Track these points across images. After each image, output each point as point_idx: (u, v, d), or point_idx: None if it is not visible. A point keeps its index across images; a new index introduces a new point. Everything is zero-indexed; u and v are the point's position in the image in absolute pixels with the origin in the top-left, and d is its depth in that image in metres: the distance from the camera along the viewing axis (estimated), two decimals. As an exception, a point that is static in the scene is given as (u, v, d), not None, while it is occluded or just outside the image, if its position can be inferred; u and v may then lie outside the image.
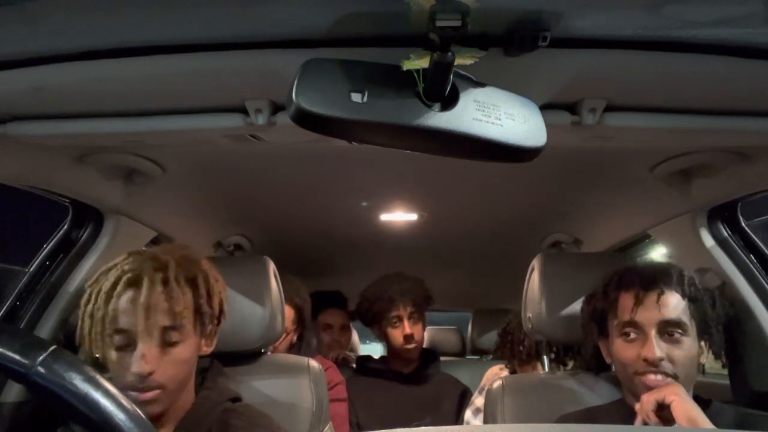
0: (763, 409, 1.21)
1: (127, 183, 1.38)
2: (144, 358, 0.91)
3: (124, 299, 0.93)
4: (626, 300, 1.10)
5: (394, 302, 1.90)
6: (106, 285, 0.93)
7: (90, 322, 0.93)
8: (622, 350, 1.09)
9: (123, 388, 0.91)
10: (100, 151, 1.18)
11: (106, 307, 0.92)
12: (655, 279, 1.09)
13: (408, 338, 1.91)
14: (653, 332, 1.05)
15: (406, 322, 1.91)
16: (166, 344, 0.95)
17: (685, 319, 1.07)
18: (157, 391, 0.93)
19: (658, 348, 1.03)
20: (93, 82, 0.84)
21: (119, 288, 0.93)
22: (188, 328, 0.97)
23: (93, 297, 0.94)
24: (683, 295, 1.09)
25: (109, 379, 0.49)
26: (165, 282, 0.95)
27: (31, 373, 0.46)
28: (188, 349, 0.98)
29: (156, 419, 0.98)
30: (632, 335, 1.08)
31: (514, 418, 1.30)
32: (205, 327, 1.02)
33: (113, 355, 0.93)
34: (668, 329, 1.06)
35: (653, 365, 1.03)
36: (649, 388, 1.02)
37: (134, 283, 0.93)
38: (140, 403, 0.90)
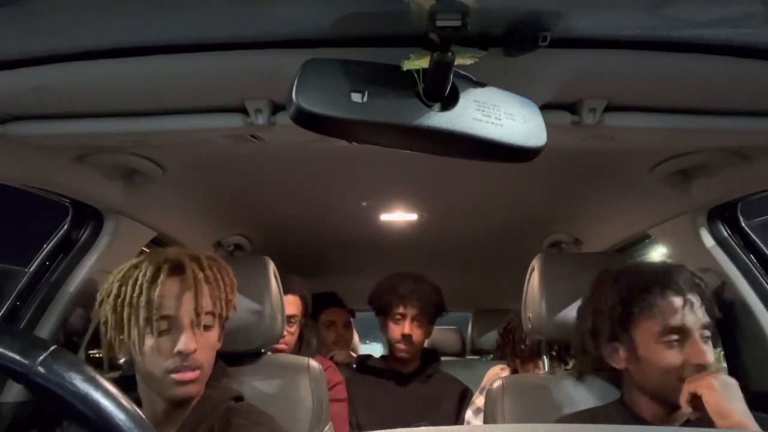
0: (763, 410, 1.21)
1: (127, 183, 1.38)
2: (191, 336, 0.97)
3: (169, 285, 0.98)
4: (671, 304, 1.05)
5: (402, 298, 1.90)
6: (146, 273, 0.97)
7: (128, 310, 0.96)
8: (666, 356, 1.04)
9: (163, 374, 0.96)
10: (100, 151, 1.18)
11: (150, 293, 0.96)
12: (694, 282, 1.08)
13: (405, 338, 1.89)
14: (698, 336, 1.04)
15: (407, 321, 1.90)
16: (204, 327, 1.01)
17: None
18: (198, 372, 0.99)
19: (707, 351, 1.02)
20: (93, 82, 0.84)
21: (162, 275, 0.98)
22: (218, 315, 1.04)
23: (129, 288, 0.97)
24: (704, 297, 1.09)
25: (120, 379, 0.49)
26: (202, 270, 1.02)
27: (31, 373, 0.46)
28: (216, 334, 1.05)
29: (166, 416, 1.01)
30: (675, 340, 1.04)
31: (514, 418, 1.30)
32: (227, 318, 1.08)
33: (151, 341, 0.97)
34: (704, 331, 1.05)
35: (705, 369, 1.01)
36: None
37: (176, 271, 1.00)
38: (182, 384, 0.97)
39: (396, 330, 1.92)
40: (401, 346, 1.92)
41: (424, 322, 1.93)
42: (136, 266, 1.00)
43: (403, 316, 1.91)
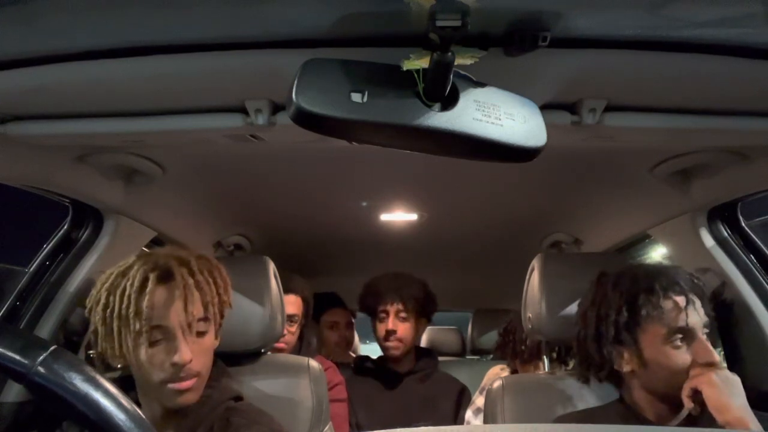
0: (763, 409, 1.21)
1: (127, 183, 1.38)
2: (185, 347, 0.96)
3: (158, 294, 0.96)
4: (674, 304, 1.05)
5: (382, 296, 1.91)
6: (134, 283, 0.95)
7: (118, 322, 0.94)
8: (675, 357, 1.04)
9: (160, 383, 0.95)
10: (100, 151, 1.18)
11: (138, 304, 0.94)
12: (693, 281, 1.09)
13: (388, 333, 1.90)
14: (702, 335, 1.04)
15: (391, 318, 1.90)
16: (198, 334, 1.00)
17: None
18: (195, 379, 0.98)
19: (713, 349, 1.03)
20: (93, 82, 0.84)
21: (150, 285, 0.95)
22: (211, 319, 1.02)
23: (117, 298, 0.95)
24: (703, 296, 1.09)
25: (120, 379, 0.49)
26: (192, 275, 0.99)
27: (31, 373, 0.46)
28: (212, 338, 1.04)
29: (165, 416, 1.00)
30: (681, 341, 1.04)
31: (514, 418, 1.30)
32: (222, 316, 1.07)
33: (145, 351, 0.96)
34: (706, 330, 1.06)
35: (713, 367, 1.01)
36: None
37: (165, 279, 0.97)
38: (180, 393, 0.97)
39: (381, 327, 1.93)
40: (387, 343, 1.92)
41: (410, 318, 1.93)
42: (123, 273, 0.97)
43: (386, 313, 1.91)
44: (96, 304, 0.97)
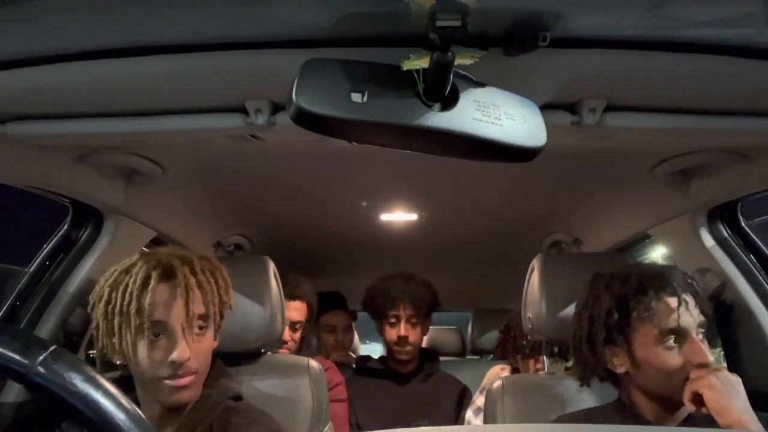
0: (764, 410, 1.21)
1: (127, 183, 1.38)
2: (184, 345, 0.97)
3: (160, 292, 0.97)
4: (665, 305, 1.05)
5: (393, 301, 1.89)
6: (137, 280, 0.96)
7: (119, 318, 0.96)
8: (668, 358, 1.04)
9: (157, 380, 0.96)
10: (100, 151, 1.18)
11: (140, 301, 0.95)
12: (687, 282, 1.08)
13: (401, 340, 1.89)
14: (698, 336, 1.04)
15: (402, 324, 1.89)
16: (198, 333, 1.01)
17: None
18: (193, 377, 0.99)
19: (707, 350, 1.02)
20: (93, 82, 0.84)
21: (153, 282, 0.96)
22: (212, 318, 1.04)
23: (119, 294, 0.96)
24: (697, 296, 1.09)
25: (120, 379, 0.49)
26: (194, 274, 1.00)
27: (31, 373, 0.46)
28: (211, 338, 1.05)
29: (164, 416, 1.01)
30: (673, 341, 1.04)
31: (514, 418, 1.30)
32: (222, 317, 1.08)
33: (144, 349, 0.97)
34: (701, 330, 1.06)
35: (705, 368, 1.01)
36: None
37: (167, 276, 0.99)
38: (177, 390, 0.98)
39: (392, 333, 1.91)
40: (399, 348, 1.91)
41: (420, 321, 1.92)
42: (126, 271, 0.99)
43: (398, 318, 1.90)
44: (98, 300, 0.99)
